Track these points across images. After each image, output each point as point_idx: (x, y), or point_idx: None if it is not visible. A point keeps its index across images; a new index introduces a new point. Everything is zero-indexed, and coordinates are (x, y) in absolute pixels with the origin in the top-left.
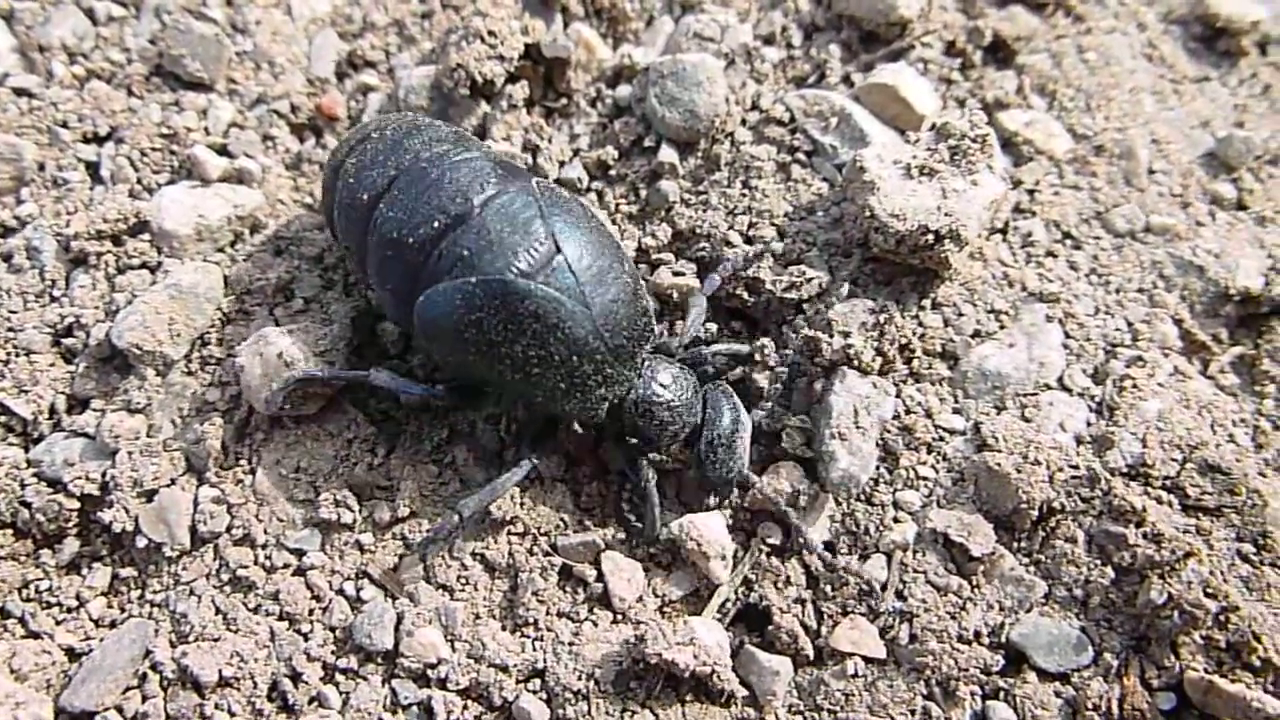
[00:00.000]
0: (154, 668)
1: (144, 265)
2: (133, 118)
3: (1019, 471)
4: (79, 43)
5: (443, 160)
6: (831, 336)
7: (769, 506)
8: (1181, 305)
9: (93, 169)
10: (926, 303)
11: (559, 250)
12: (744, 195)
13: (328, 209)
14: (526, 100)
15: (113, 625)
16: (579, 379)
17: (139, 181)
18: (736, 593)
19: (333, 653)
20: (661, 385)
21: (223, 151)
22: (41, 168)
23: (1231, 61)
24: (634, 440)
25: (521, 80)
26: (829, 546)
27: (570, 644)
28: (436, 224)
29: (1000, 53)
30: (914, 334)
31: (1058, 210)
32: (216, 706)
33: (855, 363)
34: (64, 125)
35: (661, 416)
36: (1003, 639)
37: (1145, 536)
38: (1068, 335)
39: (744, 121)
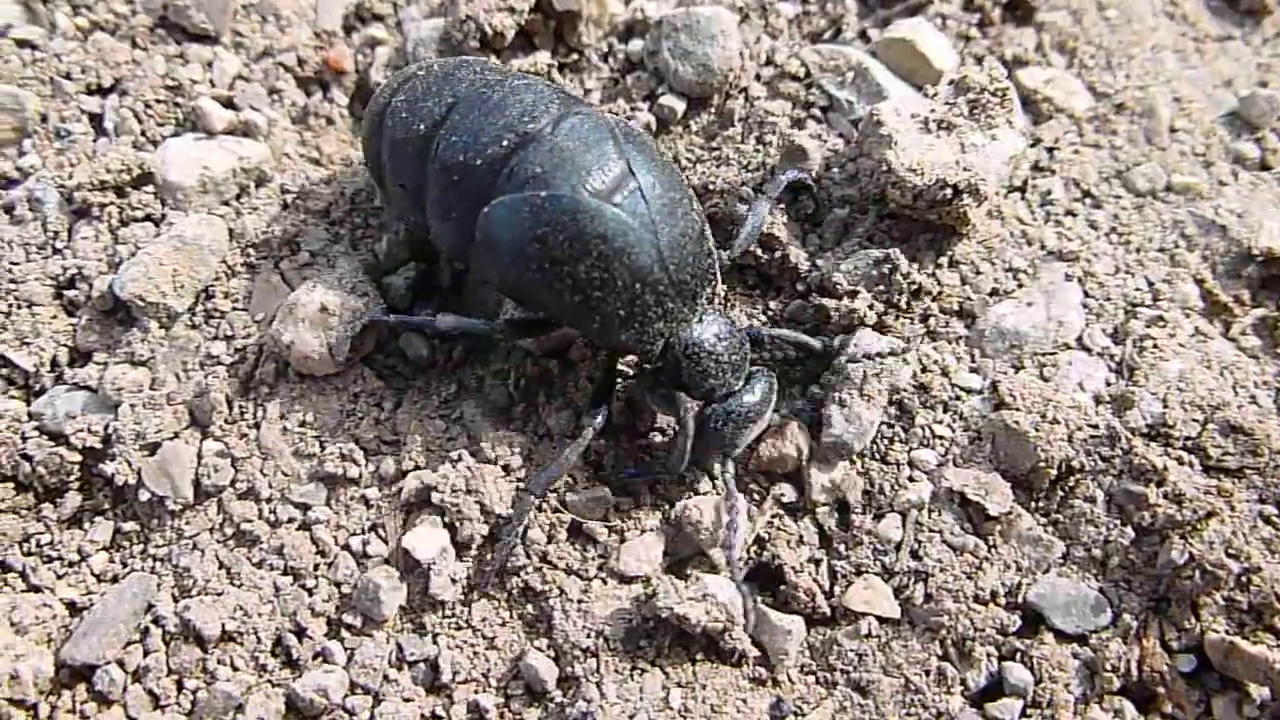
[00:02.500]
0: (156, 621)
1: (148, 217)
2: (137, 69)
3: (1037, 430)
4: None
5: (503, 84)
6: (839, 299)
7: (779, 467)
8: (1203, 265)
9: (96, 121)
10: (944, 260)
11: (633, 174)
12: (758, 151)
13: (373, 155)
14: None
15: (114, 580)
16: (639, 308)
17: (143, 133)
18: (749, 551)
19: (337, 608)
20: (716, 335)
21: (228, 104)
22: (44, 119)
23: (1255, 20)
24: (671, 381)
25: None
26: (843, 506)
27: (579, 601)
28: (505, 142)
29: (1019, 10)
30: (929, 290)
31: (1077, 169)
32: (219, 661)
33: (865, 321)
34: (67, 77)
35: (706, 365)
36: (1020, 599)
37: (1166, 496)
38: (1087, 294)
39: (758, 76)
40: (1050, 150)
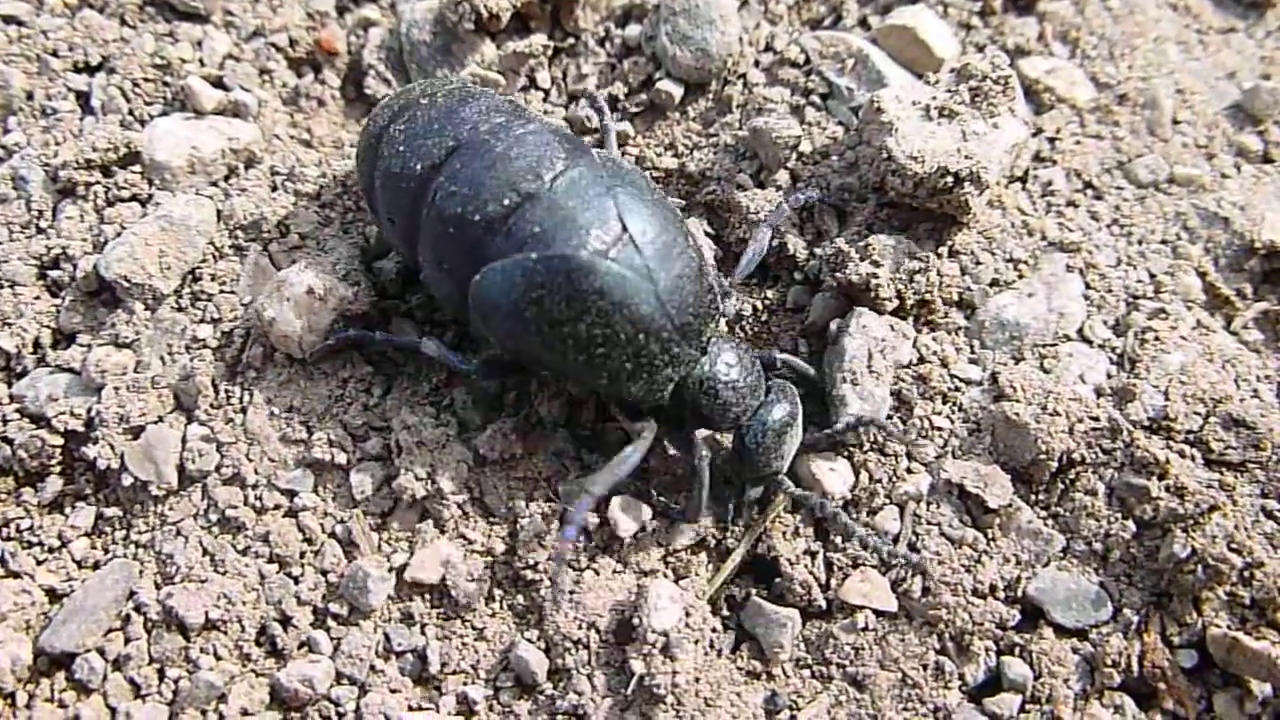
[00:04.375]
0: (138, 609)
1: (134, 197)
2: (125, 47)
3: (1038, 422)
4: None
5: (506, 132)
6: (862, 260)
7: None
8: (1205, 258)
9: (83, 99)
10: (943, 250)
11: (624, 228)
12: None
13: (365, 176)
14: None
15: (95, 566)
16: (645, 359)
17: (130, 112)
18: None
19: (324, 597)
20: (727, 364)
21: (218, 84)
22: (30, 96)
23: (1258, 13)
24: (692, 419)
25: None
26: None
27: (571, 592)
28: (507, 201)
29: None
30: (931, 299)
31: (1079, 159)
32: (202, 650)
33: (873, 294)
34: (54, 54)
35: (725, 397)
36: (1019, 593)
37: (1168, 489)
38: (1088, 286)
39: (757, 63)
40: (1052, 140)
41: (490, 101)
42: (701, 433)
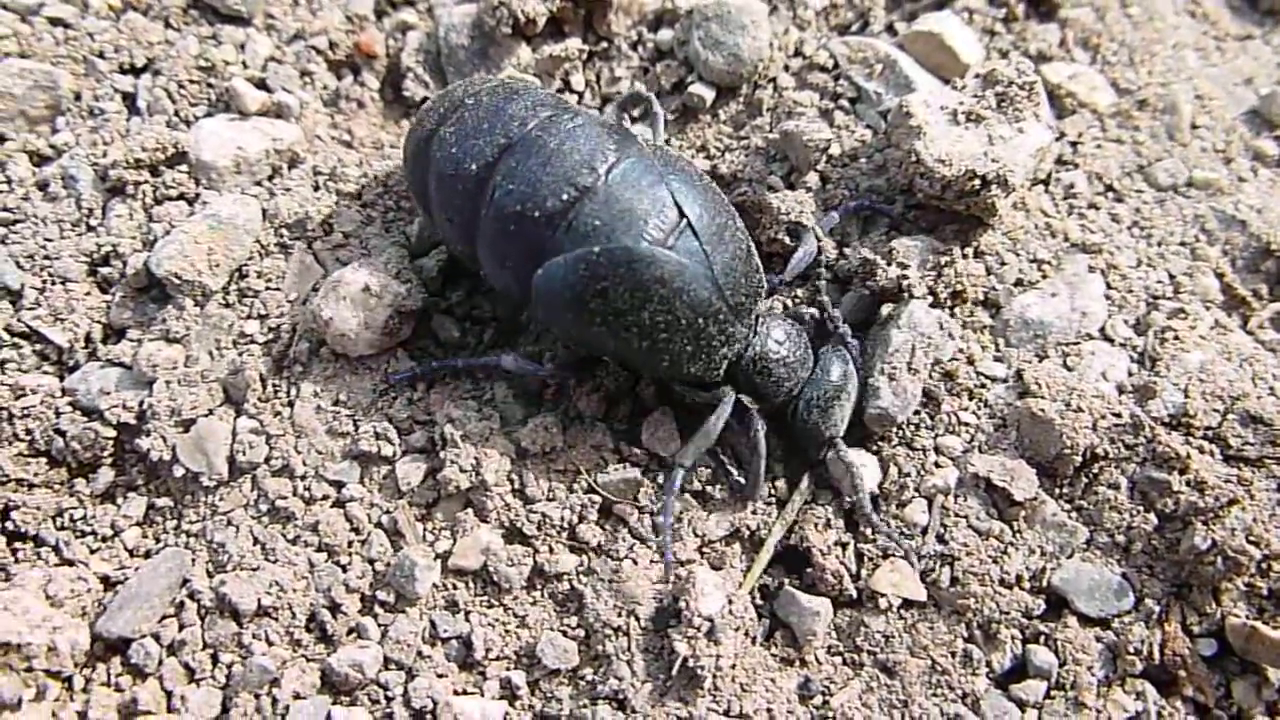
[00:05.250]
0: (191, 596)
1: (181, 196)
2: (170, 50)
3: (1062, 418)
4: None
5: (557, 127)
6: (889, 265)
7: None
8: (1223, 260)
9: (129, 100)
10: (969, 251)
11: (682, 215)
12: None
13: (417, 180)
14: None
15: (147, 555)
16: (704, 341)
17: (176, 113)
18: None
19: (371, 585)
20: (777, 341)
21: (260, 85)
22: (77, 97)
23: (1275, 20)
24: (745, 393)
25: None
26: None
27: (610, 580)
28: (566, 196)
29: (1043, 6)
30: (966, 294)
31: (1100, 163)
32: (254, 636)
33: (908, 294)
34: (100, 55)
35: (777, 373)
36: (1044, 584)
37: (1189, 484)
38: (1110, 286)
39: (786, 67)
40: (1074, 144)
41: (535, 96)
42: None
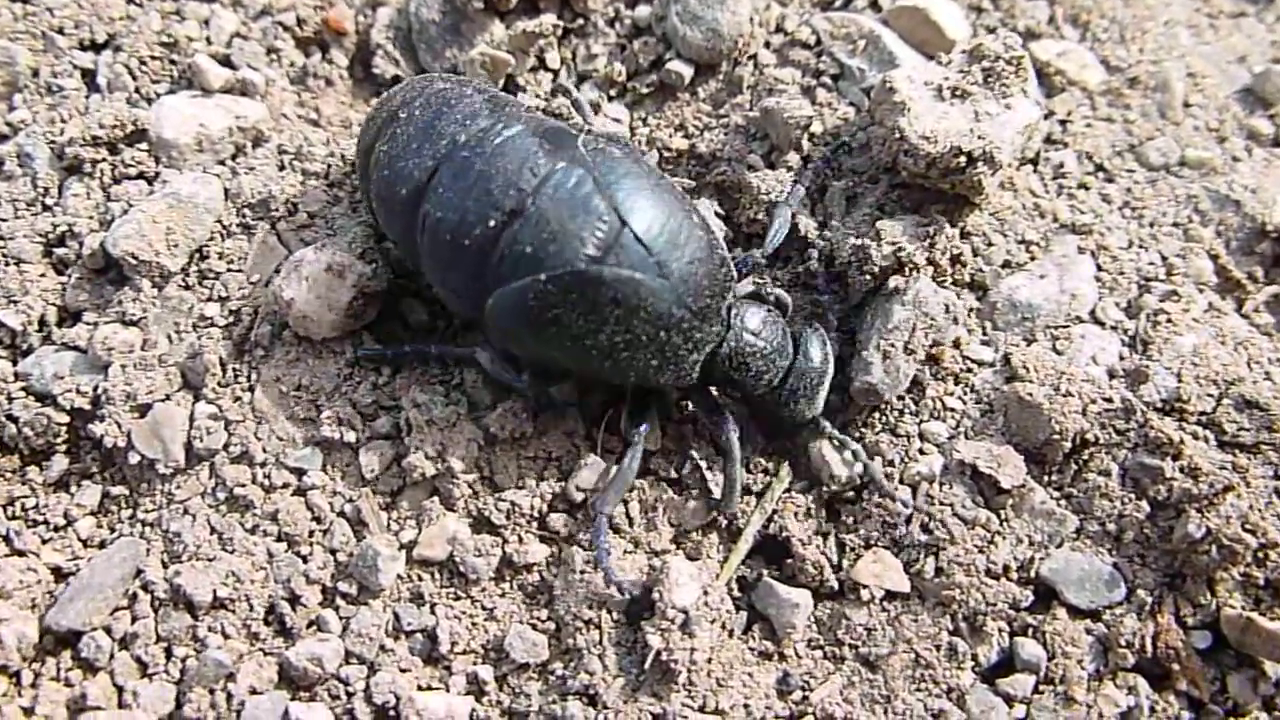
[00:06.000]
0: (145, 587)
1: (141, 175)
2: (132, 25)
3: (1050, 402)
4: None
5: (484, 145)
6: (880, 245)
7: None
8: (1217, 241)
9: (89, 76)
10: (955, 231)
11: (624, 224)
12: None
13: (364, 193)
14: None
15: (101, 545)
16: (670, 352)
17: (137, 90)
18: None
19: (333, 576)
20: (752, 333)
21: (225, 62)
22: (35, 74)
23: None
24: (725, 389)
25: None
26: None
27: (582, 571)
28: (492, 223)
29: None
30: (965, 261)
31: (1090, 142)
32: (210, 629)
33: (908, 269)
34: (59, 31)
35: (756, 366)
36: (1032, 574)
37: (1182, 470)
38: (1100, 268)
39: (767, 44)
40: (1063, 123)
41: (468, 105)
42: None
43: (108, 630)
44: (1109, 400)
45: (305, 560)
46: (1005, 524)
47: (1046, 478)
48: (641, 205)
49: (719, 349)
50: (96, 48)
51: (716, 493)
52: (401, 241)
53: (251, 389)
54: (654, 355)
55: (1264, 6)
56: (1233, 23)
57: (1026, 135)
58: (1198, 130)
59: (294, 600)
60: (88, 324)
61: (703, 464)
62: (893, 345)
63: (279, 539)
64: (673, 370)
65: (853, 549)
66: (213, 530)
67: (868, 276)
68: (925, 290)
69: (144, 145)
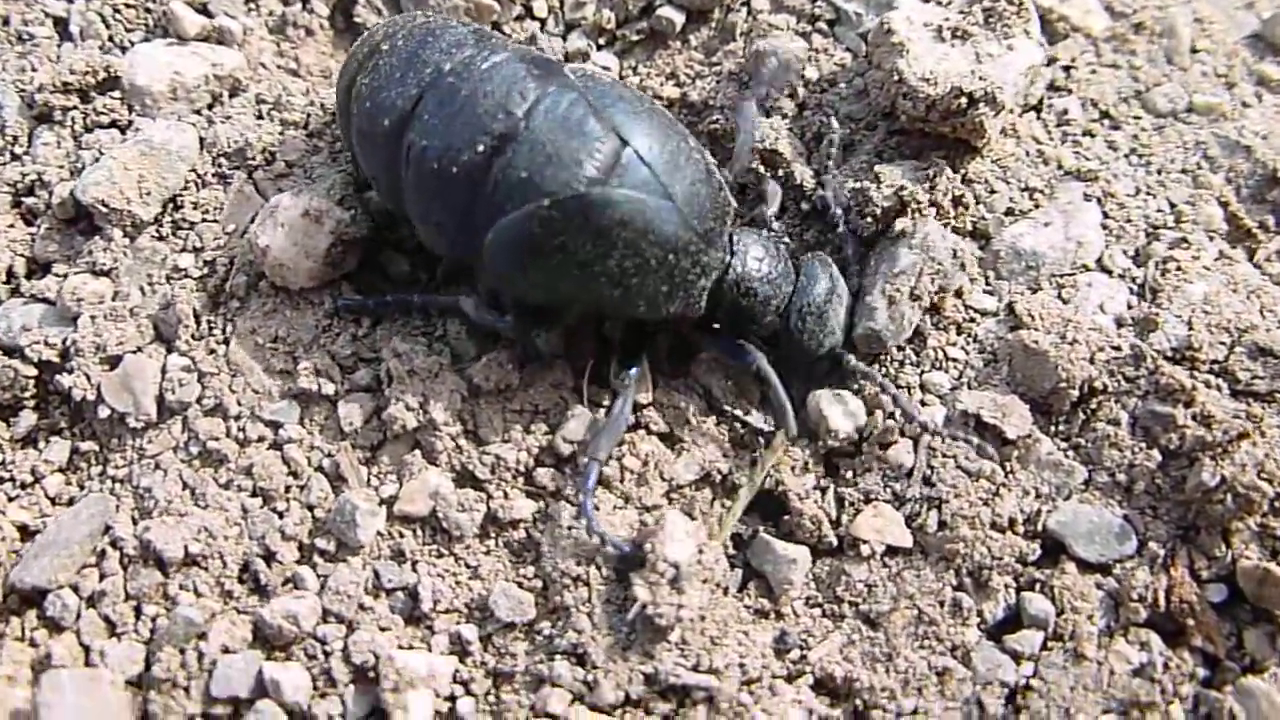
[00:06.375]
0: (114, 544)
1: (114, 124)
2: None
3: (1057, 349)
4: None
5: (470, 70)
6: (880, 188)
7: None
8: (1227, 188)
9: (61, 25)
10: (956, 176)
11: (624, 143)
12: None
13: (344, 132)
14: None
15: (70, 503)
16: (679, 277)
17: (111, 39)
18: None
19: (310, 532)
20: (756, 259)
21: (202, 10)
22: (5, 22)
23: None
24: (732, 321)
25: None
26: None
27: (569, 527)
28: (481, 148)
29: None
30: (967, 203)
31: (1095, 89)
32: (181, 586)
33: (910, 209)
34: None
35: (763, 291)
36: (1039, 527)
37: (1195, 418)
38: (1106, 215)
39: None
40: (1067, 69)
41: (453, 35)
42: None
43: (74, 588)
44: (1117, 348)
45: (281, 516)
46: (1011, 476)
47: (1053, 428)
48: (640, 126)
49: (725, 276)
50: None
51: (710, 450)
52: (385, 179)
53: (226, 341)
54: (663, 281)
55: None
56: None
57: (1029, 78)
58: (1205, 76)
59: (269, 557)
60: (57, 275)
61: (694, 418)
62: (898, 290)
63: (254, 494)
64: (682, 297)
65: (852, 504)
66: (185, 485)
67: (869, 219)
68: (933, 234)
69: (116, 93)
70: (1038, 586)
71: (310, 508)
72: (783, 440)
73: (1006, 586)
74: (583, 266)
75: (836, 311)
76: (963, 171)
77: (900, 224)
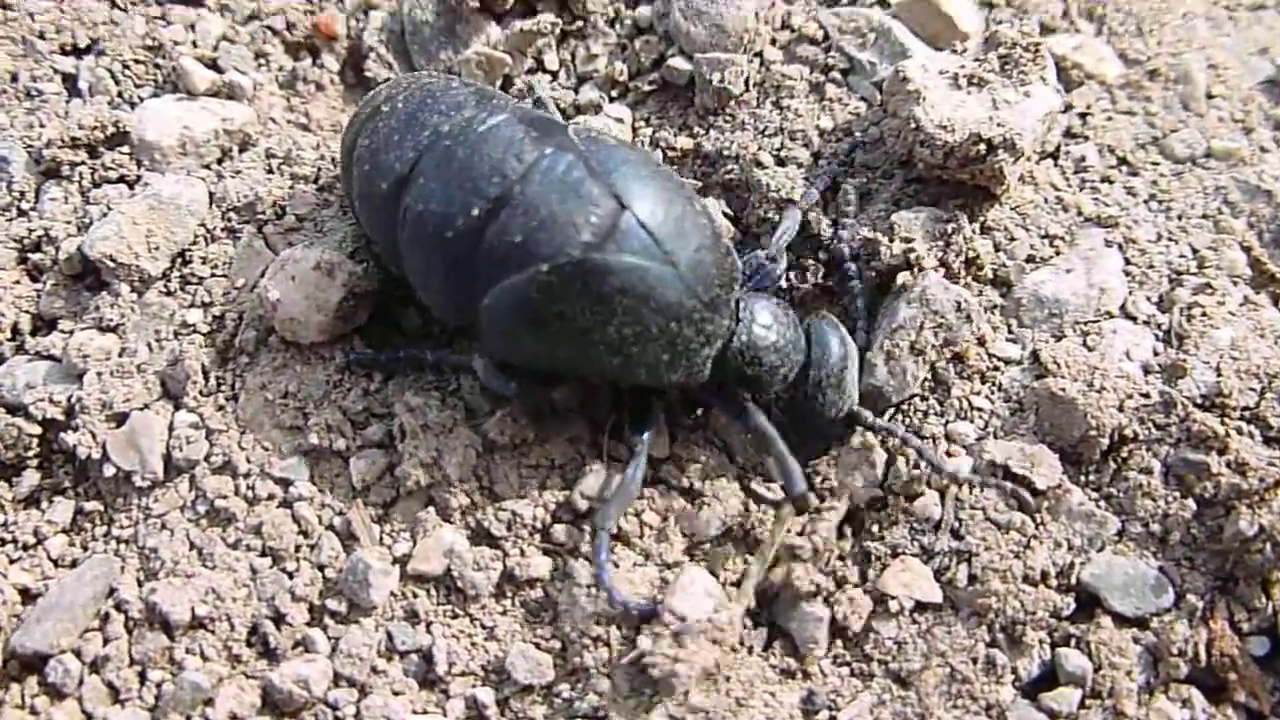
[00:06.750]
0: (118, 607)
1: (122, 179)
2: (115, 30)
3: (1085, 397)
4: None
5: (468, 133)
6: (892, 241)
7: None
8: (1250, 233)
9: (70, 81)
10: (975, 226)
11: (624, 207)
12: (775, 115)
13: (348, 195)
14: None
15: (73, 564)
16: (682, 345)
17: (120, 94)
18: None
19: (321, 593)
20: (764, 326)
21: (211, 65)
22: (14, 78)
23: None
24: (739, 389)
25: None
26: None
27: (588, 586)
28: (476, 211)
29: None
30: (980, 263)
31: (1112, 135)
32: (188, 650)
33: (917, 269)
34: (40, 36)
35: (770, 360)
36: (1073, 580)
37: (1229, 465)
38: (1128, 261)
39: (774, 40)
40: (1083, 116)
41: (453, 97)
42: None
43: (77, 653)
44: (1146, 395)
45: (291, 576)
46: (1041, 527)
47: (1084, 477)
48: (641, 189)
49: (730, 343)
50: (78, 52)
51: (732, 504)
52: (384, 242)
53: (235, 397)
54: (665, 349)
55: None
56: (1252, 15)
57: (1047, 125)
58: (1223, 121)
59: (279, 619)
60: (63, 332)
61: (714, 472)
62: (897, 345)
63: (263, 554)
64: (684, 366)
65: (879, 558)
66: (192, 545)
67: (874, 273)
68: (934, 287)
69: (125, 148)
70: (1073, 642)
71: (321, 567)
72: (790, 509)
73: (1041, 642)
74: (582, 334)
75: (851, 374)
76: (981, 220)
77: (901, 278)
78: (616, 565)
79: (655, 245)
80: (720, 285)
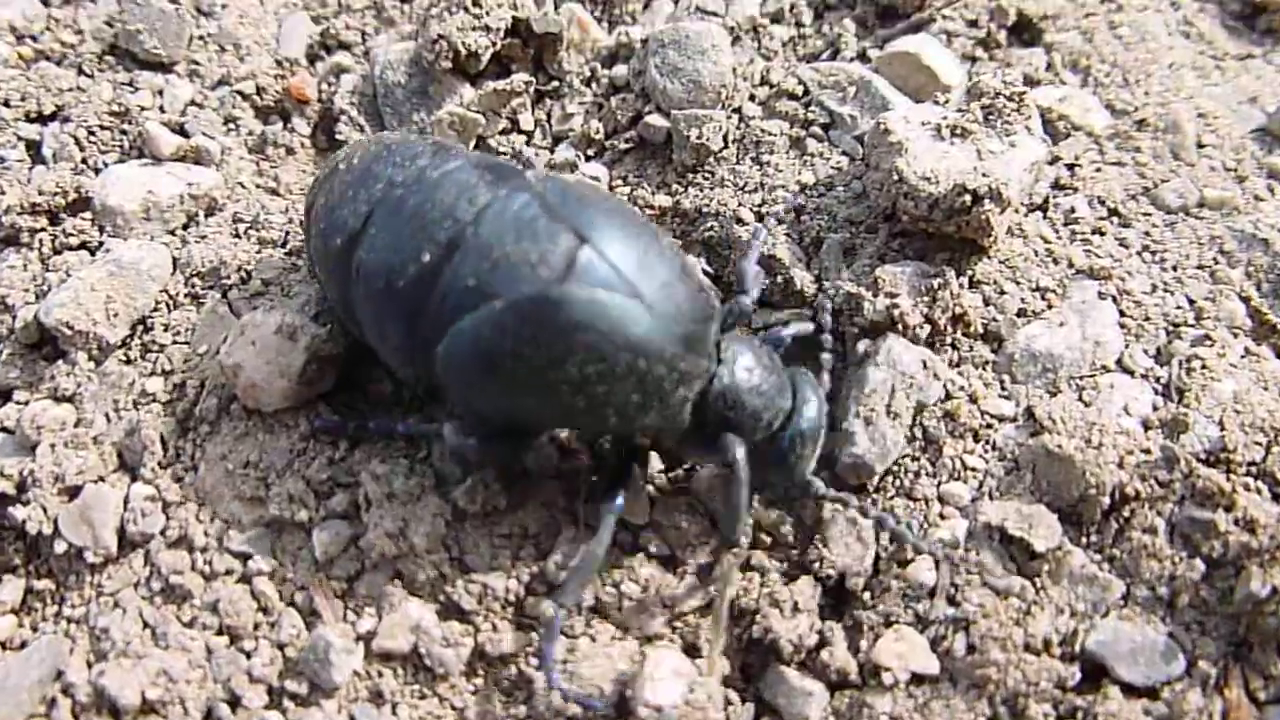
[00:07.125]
0: (65, 691)
1: (83, 245)
2: (81, 96)
3: (1083, 454)
4: (29, 24)
5: (420, 182)
6: (876, 296)
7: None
8: (1248, 282)
9: (34, 148)
10: (963, 280)
11: (583, 241)
12: (755, 171)
13: (309, 257)
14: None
15: (22, 646)
16: (652, 385)
17: (84, 161)
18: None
19: (280, 673)
20: (746, 369)
21: (179, 130)
22: None
23: (1275, 39)
24: (717, 429)
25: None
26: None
27: (565, 662)
28: (427, 257)
29: (1025, 33)
30: (967, 320)
31: (1102, 186)
32: None
33: (900, 326)
34: (5, 104)
35: (753, 404)
36: (1077, 648)
37: (1237, 523)
38: (1123, 314)
39: (752, 96)
40: (1071, 168)
41: (408, 150)
42: None
43: None
44: (1147, 451)
45: (249, 656)
46: (1042, 592)
47: (1085, 539)
48: (601, 223)
49: (710, 386)
50: (44, 119)
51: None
52: (341, 302)
53: (195, 468)
54: (635, 390)
55: (1271, 48)
56: (1240, 64)
57: (1034, 174)
58: (1214, 170)
59: (234, 702)
60: (18, 403)
61: (696, 539)
62: (873, 410)
63: (219, 632)
64: (657, 409)
65: (871, 628)
66: (145, 625)
67: (856, 329)
68: (897, 348)
69: (87, 214)
70: (1079, 714)
71: (280, 646)
72: (733, 560)
73: (1045, 715)
74: (542, 374)
75: (823, 437)
76: (970, 273)
77: (862, 345)
78: (593, 639)
79: (618, 278)
80: (695, 321)
